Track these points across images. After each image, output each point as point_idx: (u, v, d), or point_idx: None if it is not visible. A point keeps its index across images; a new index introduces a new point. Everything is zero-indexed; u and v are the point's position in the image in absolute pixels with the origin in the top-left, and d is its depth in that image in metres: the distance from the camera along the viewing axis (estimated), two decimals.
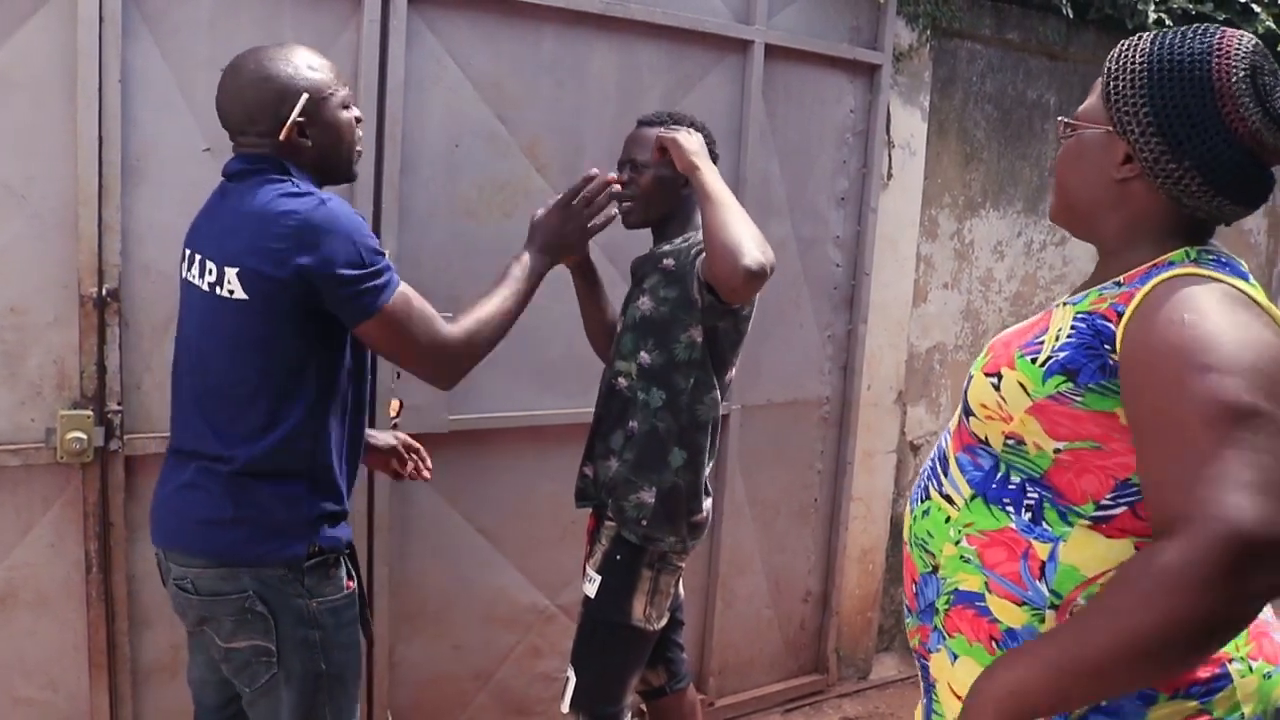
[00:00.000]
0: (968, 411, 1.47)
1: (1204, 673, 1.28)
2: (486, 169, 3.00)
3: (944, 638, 1.45)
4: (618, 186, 2.34)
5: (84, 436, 2.49)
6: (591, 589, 2.47)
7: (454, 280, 2.90)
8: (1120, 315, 1.30)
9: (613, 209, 2.36)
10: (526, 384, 3.13)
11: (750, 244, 2.16)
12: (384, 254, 1.92)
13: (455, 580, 3.17)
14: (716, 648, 3.71)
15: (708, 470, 2.49)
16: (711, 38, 3.30)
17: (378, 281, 1.89)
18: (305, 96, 1.95)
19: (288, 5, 2.66)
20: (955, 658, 1.43)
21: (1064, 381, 1.32)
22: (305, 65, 1.98)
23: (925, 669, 1.52)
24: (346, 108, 2.04)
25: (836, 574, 3.98)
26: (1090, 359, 1.31)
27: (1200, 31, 1.34)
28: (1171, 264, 1.33)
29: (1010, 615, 1.37)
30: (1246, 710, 1.29)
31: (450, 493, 3.11)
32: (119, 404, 2.56)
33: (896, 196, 3.88)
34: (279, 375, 1.91)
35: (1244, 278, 1.32)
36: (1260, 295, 1.29)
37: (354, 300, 1.87)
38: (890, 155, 3.82)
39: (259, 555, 1.92)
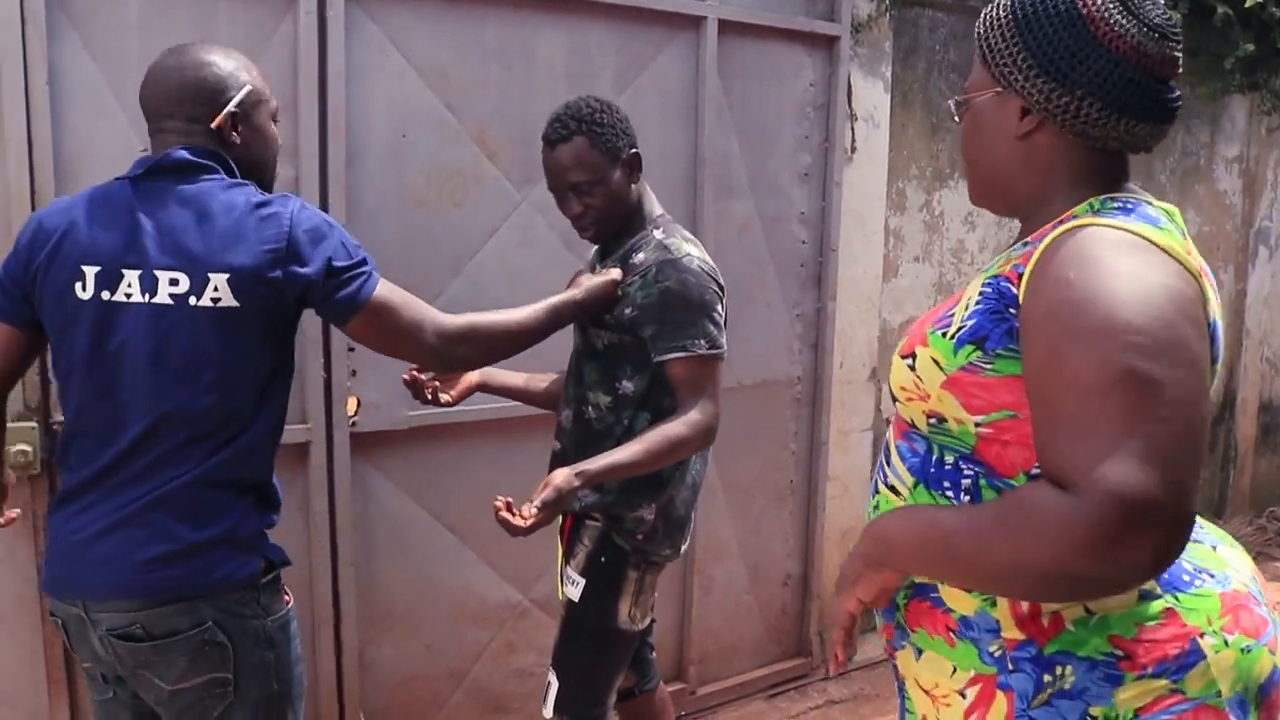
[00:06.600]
0: (894, 397, 1.43)
1: (1173, 649, 1.22)
2: (435, 157, 2.94)
3: (907, 634, 1.41)
4: None
5: (29, 449, 2.44)
6: (575, 592, 2.38)
7: (407, 272, 2.77)
8: (1021, 276, 1.25)
9: None
10: None
11: (687, 449, 2.23)
12: (361, 246, 1.91)
13: (423, 578, 3.12)
14: (696, 636, 3.67)
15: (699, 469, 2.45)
16: (662, 15, 3.24)
17: (363, 271, 1.88)
18: (248, 88, 1.90)
19: (222, 1, 2.60)
20: (920, 653, 1.39)
21: (974, 350, 1.28)
22: (247, 66, 1.94)
23: (895, 667, 1.48)
24: (275, 121, 2.01)
25: (816, 556, 3.94)
26: (996, 324, 1.26)
27: None
28: (1074, 217, 1.29)
29: (962, 603, 1.32)
30: (1223, 686, 1.22)
31: (414, 489, 3.06)
32: None
33: (861, 170, 3.82)
34: (255, 385, 1.84)
35: (1151, 222, 1.26)
36: (1163, 238, 1.23)
37: (343, 295, 1.85)
38: (853, 128, 3.76)
39: (222, 579, 1.82)
